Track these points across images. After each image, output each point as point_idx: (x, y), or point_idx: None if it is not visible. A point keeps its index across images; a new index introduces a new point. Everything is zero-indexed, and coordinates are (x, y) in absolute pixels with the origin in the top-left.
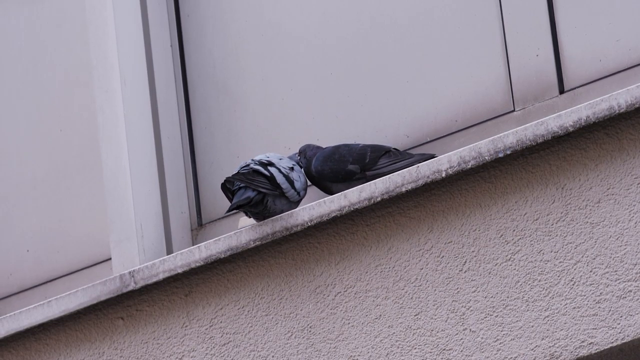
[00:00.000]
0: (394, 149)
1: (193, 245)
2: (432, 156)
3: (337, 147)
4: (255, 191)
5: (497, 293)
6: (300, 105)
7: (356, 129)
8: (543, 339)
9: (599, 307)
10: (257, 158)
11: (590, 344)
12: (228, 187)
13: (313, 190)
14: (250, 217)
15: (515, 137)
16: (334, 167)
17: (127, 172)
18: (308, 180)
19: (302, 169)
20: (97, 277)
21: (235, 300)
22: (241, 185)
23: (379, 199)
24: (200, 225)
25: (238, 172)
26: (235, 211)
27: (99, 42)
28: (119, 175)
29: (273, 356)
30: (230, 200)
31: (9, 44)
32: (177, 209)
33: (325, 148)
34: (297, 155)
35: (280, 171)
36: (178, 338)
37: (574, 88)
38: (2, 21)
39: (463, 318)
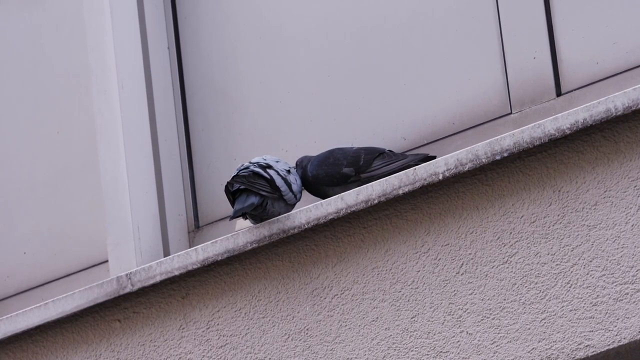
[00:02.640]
0: (389, 150)
1: (190, 247)
2: (426, 156)
3: (332, 151)
4: (257, 196)
5: (493, 295)
6: (298, 107)
7: (354, 132)
8: (540, 341)
9: (596, 310)
10: (255, 160)
11: (586, 346)
12: (229, 190)
13: (310, 195)
14: (246, 220)
15: (513, 140)
16: (328, 171)
17: (124, 175)
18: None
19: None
20: (94, 279)
21: (232, 303)
22: (241, 188)
23: (376, 201)
24: (197, 228)
25: (237, 174)
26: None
27: (97, 45)
28: (117, 178)
29: (270, 358)
30: (231, 202)
31: (7, 46)
32: (174, 212)
33: (320, 153)
34: (294, 168)
35: (278, 174)
36: (175, 340)
37: (571, 91)
38: (2, 24)
39: (460, 320)
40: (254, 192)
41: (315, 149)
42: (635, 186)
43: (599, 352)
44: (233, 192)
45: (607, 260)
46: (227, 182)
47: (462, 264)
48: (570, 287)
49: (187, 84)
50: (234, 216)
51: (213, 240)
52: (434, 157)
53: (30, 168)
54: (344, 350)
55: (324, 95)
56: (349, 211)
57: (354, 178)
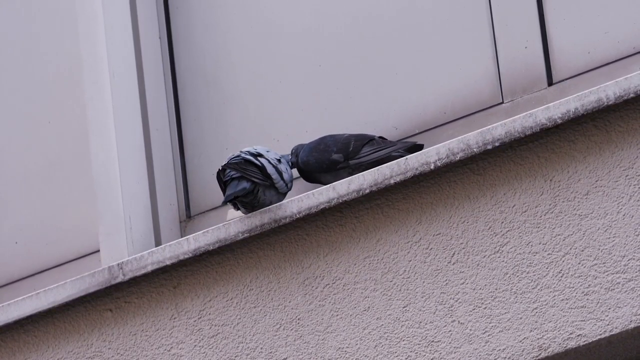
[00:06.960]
0: (379, 137)
1: (182, 237)
2: (415, 144)
3: (323, 138)
4: (249, 181)
5: (485, 285)
6: (290, 97)
7: (345, 121)
8: (531, 330)
9: (587, 299)
10: (246, 150)
11: (578, 335)
12: (220, 177)
13: (302, 183)
14: (237, 210)
15: (504, 129)
16: (318, 157)
17: (116, 165)
18: (299, 175)
19: (292, 165)
20: (85, 269)
21: (224, 292)
22: (233, 176)
23: (367, 190)
24: (188, 217)
25: (229, 162)
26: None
27: (89, 35)
28: (108, 168)
29: (261, 348)
30: (223, 190)
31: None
32: (166, 201)
33: (313, 140)
34: (289, 155)
35: (269, 162)
36: (166, 330)
37: (563, 80)
38: None
39: (451, 310)
40: (245, 178)
41: (307, 139)
42: (626, 175)
43: (590, 341)
44: (225, 181)
45: (598, 249)
46: (219, 169)
47: (454, 254)
48: (561, 276)
49: (179, 73)
50: (226, 201)
51: (204, 230)
52: (422, 145)
53: (21, 158)
54: (335, 340)
55: (316, 85)
56: (340, 201)
57: (343, 164)
